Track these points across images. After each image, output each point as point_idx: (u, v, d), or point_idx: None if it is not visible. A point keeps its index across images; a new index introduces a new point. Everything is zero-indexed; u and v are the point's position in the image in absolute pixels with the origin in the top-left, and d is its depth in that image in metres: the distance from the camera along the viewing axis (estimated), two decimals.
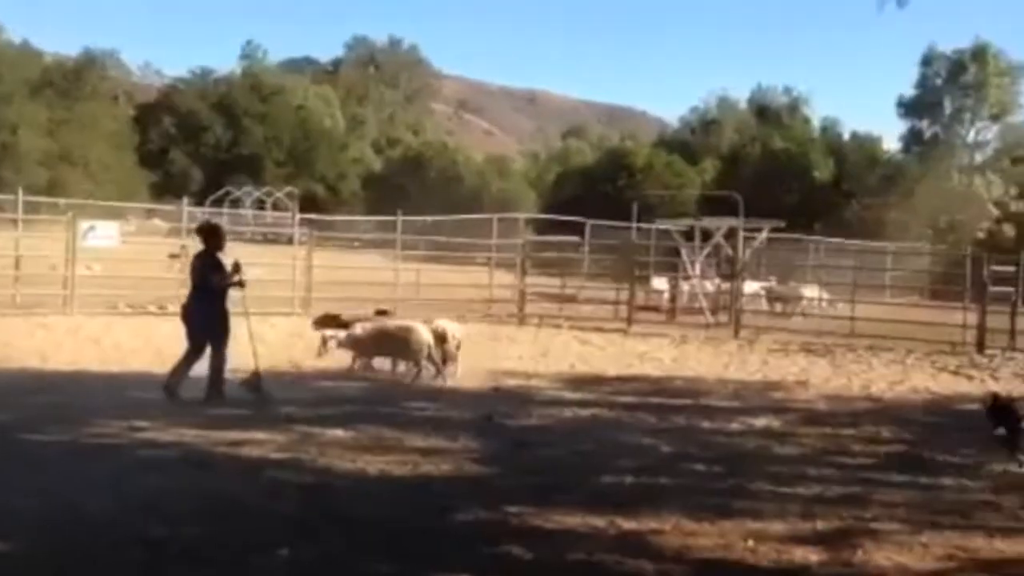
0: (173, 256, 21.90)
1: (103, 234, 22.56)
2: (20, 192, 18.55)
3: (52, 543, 5.22)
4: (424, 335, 11.51)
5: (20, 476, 6.57)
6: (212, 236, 9.89)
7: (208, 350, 9.59)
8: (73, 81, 59.32)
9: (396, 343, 11.68)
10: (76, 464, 7.01)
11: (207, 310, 9.58)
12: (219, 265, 9.68)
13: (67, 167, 50.82)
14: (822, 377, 13.46)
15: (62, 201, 23.73)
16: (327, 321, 12.35)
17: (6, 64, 51.56)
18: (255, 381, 9.82)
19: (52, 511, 5.74)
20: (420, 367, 11.58)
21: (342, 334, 11.86)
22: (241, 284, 9.84)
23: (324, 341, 11.83)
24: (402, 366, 11.99)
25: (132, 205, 32.50)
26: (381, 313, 13.46)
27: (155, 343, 13.39)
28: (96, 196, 32.53)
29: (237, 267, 9.78)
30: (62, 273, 17.64)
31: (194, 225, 10.44)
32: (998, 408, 8.47)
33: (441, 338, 11.85)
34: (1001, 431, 8.27)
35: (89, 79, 61.41)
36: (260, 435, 8.02)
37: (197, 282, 9.67)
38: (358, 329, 11.83)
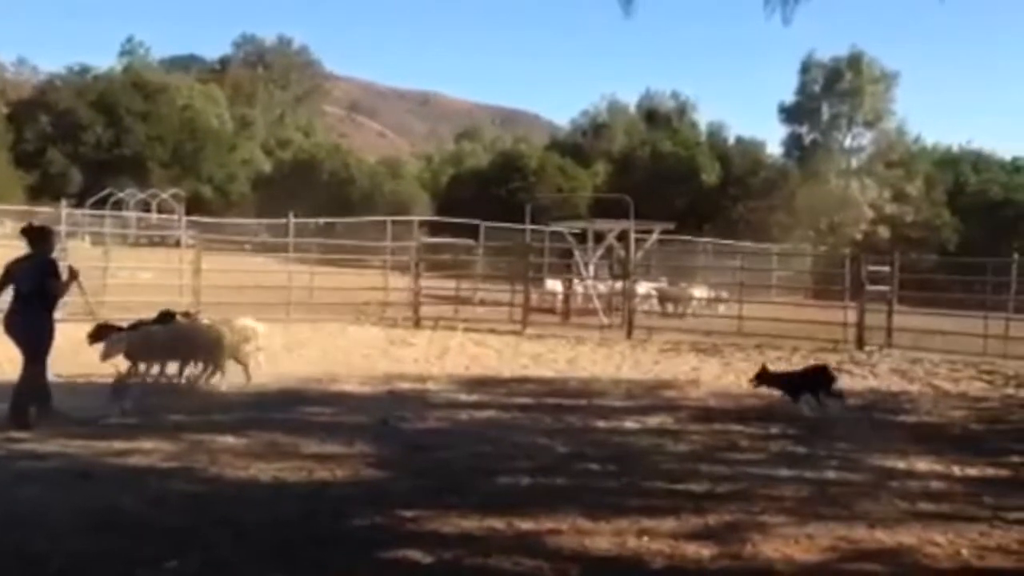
0: None
1: None
2: None
3: None
4: (220, 335, 11.01)
5: None
6: (42, 238, 8.93)
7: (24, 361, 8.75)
8: None
9: (190, 345, 10.96)
10: None
11: (36, 319, 8.65)
12: (56, 271, 8.82)
13: None
14: (712, 375, 13.81)
15: None
16: (103, 331, 10.79)
17: None
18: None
19: None
20: (218, 368, 10.97)
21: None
22: (81, 289, 9.30)
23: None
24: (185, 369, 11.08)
25: (6, 207, 31.04)
26: (184, 315, 12.38)
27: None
28: None
29: (74, 274, 8.96)
30: None
31: (26, 224, 9.01)
32: (765, 376, 11.01)
33: (245, 338, 11.55)
34: (777, 392, 10.79)
35: None
36: (147, 444, 7.77)
37: (27, 289, 8.64)
38: (135, 335, 10.66)
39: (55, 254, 9.23)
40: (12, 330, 8.74)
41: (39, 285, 8.58)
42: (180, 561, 5.10)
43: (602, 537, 5.77)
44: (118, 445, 7.75)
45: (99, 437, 8.00)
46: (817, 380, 10.64)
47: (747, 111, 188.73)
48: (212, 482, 6.81)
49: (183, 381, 11.07)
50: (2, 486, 6.42)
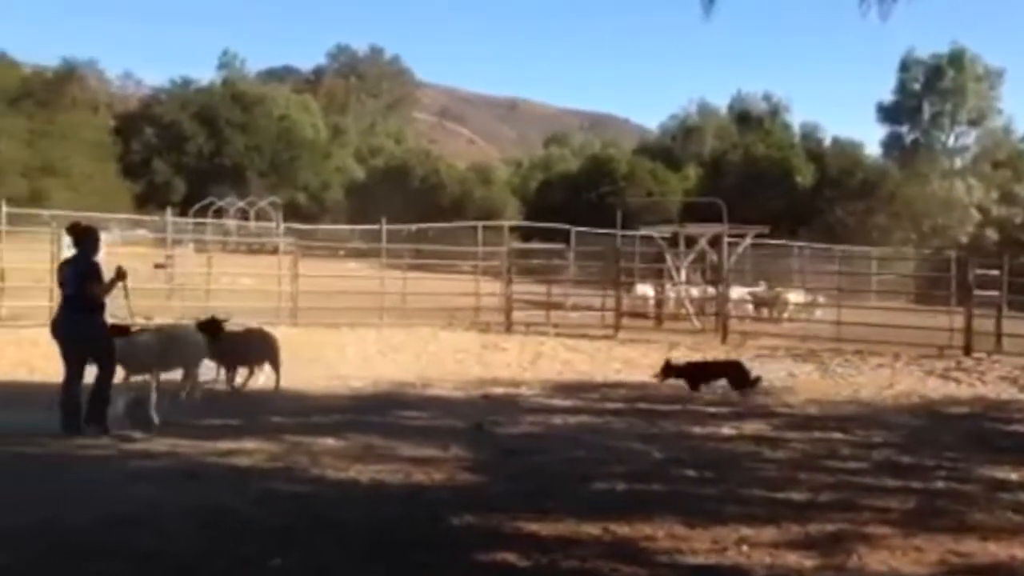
0: (158, 266, 21.79)
1: None
2: (2, 204, 18.39)
3: (43, 554, 5.17)
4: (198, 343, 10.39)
5: (11, 487, 6.51)
6: (86, 238, 8.61)
7: (89, 368, 8.50)
8: (52, 91, 58.91)
9: (179, 353, 10.27)
10: (66, 476, 6.96)
11: (80, 321, 8.39)
12: (99, 272, 8.43)
13: (49, 178, 50.37)
14: (810, 381, 13.51)
15: (45, 212, 23.56)
16: (114, 332, 10.66)
17: None
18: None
19: (43, 522, 5.68)
20: (193, 377, 10.40)
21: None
22: (126, 291, 8.92)
23: None
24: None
25: (116, 216, 32.28)
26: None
27: None
28: (79, 207, 32.32)
29: (121, 275, 8.64)
30: (47, 285, 17.48)
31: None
32: (670, 368, 11.84)
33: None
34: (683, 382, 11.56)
35: (69, 90, 61.00)
36: (251, 445, 7.99)
37: (70, 291, 8.41)
38: (121, 342, 9.41)
39: (99, 254, 8.76)
40: (56, 331, 8.51)
41: (81, 287, 8.31)
42: (283, 560, 5.21)
43: (700, 545, 5.68)
44: (223, 446, 7.99)
45: (206, 437, 8.25)
46: (725, 372, 11.64)
47: (843, 111, 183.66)
48: (313, 483, 6.95)
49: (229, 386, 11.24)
50: (116, 485, 6.66)
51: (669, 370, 11.83)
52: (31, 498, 6.27)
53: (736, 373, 11.66)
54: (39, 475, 6.95)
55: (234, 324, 11.68)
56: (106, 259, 8.92)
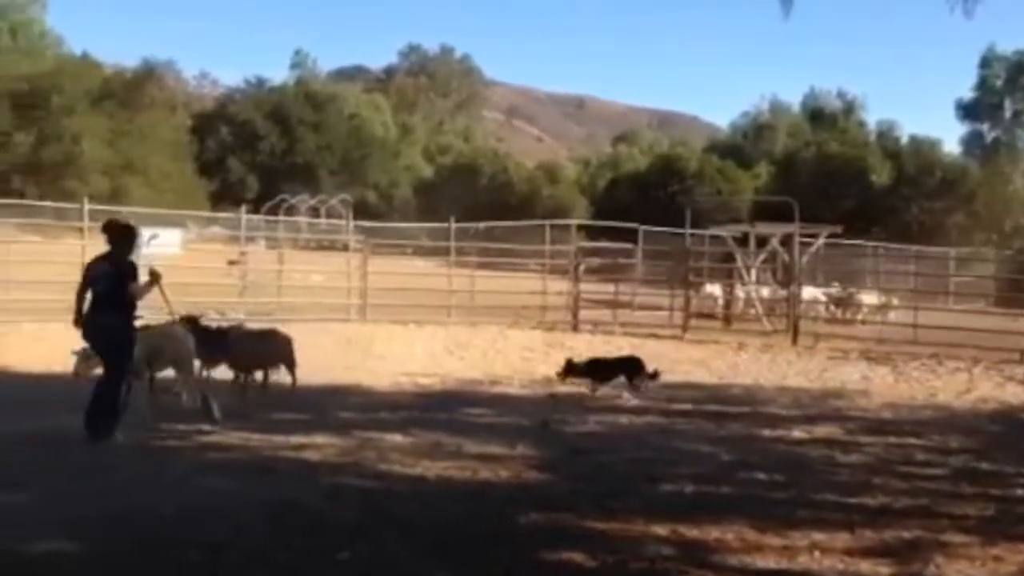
0: (232, 262, 22.22)
1: (165, 241, 23.00)
2: (85, 201, 18.94)
3: (119, 543, 5.30)
4: (186, 342, 9.30)
5: (85, 479, 6.70)
6: (124, 237, 8.21)
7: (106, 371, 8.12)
8: (133, 91, 60.50)
9: (160, 355, 9.18)
10: (142, 466, 7.13)
11: (112, 323, 7.90)
12: (135, 273, 8.04)
13: (128, 176, 51.76)
14: (884, 385, 13.21)
15: (125, 210, 24.21)
16: None
17: (68, 75, 52.65)
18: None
19: (119, 512, 5.83)
20: (188, 379, 9.44)
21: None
22: (163, 293, 8.40)
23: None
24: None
25: (192, 213, 33.06)
26: (189, 320, 10.02)
27: None
28: (157, 204, 33.17)
29: (156, 276, 8.09)
30: None
31: (102, 225, 8.22)
32: (571, 368, 11.67)
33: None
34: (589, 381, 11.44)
35: (148, 89, 62.58)
36: (320, 439, 8.10)
37: (103, 290, 7.92)
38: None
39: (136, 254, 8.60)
40: (89, 333, 8.09)
41: (115, 287, 7.87)
42: (351, 554, 5.27)
43: (771, 550, 5.60)
44: (294, 440, 8.11)
45: (277, 432, 8.38)
46: (624, 368, 11.52)
47: (920, 109, 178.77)
48: (381, 478, 7.02)
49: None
50: (192, 476, 6.82)
51: (571, 369, 11.68)
52: (114, 487, 6.45)
53: (633, 367, 11.57)
54: (122, 465, 7.13)
55: (252, 323, 11.35)
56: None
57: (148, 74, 63.90)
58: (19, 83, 49.54)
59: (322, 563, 5.13)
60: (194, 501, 6.13)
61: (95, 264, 8.13)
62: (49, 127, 49.17)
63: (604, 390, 11.38)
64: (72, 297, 8.14)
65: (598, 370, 11.61)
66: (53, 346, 11.39)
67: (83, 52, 63.82)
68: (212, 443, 8.00)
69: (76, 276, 17.29)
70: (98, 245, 19.73)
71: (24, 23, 57.17)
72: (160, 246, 22.01)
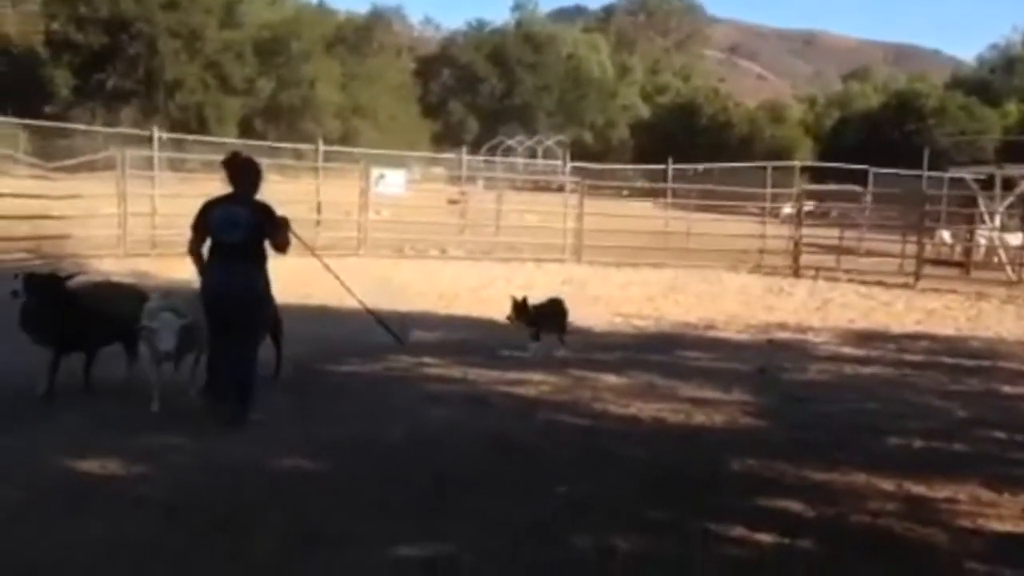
0: (452, 202, 22.97)
1: (391, 182, 24.10)
2: (320, 142, 20.06)
3: (353, 466, 5.66)
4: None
5: (322, 405, 7.18)
6: (250, 173, 6.67)
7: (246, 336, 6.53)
8: (362, 37, 63.21)
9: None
10: (372, 395, 7.57)
11: (256, 279, 6.52)
12: (275, 216, 6.55)
13: (358, 119, 54.52)
14: None
15: (356, 151, 25.47)
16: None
17: (305, 23, 55.68)
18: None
19: (352, 438, 6.20)
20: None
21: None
22: (302, 241, 7.61)
23: None
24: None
25: (415, 154, 34.35)
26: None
27: (437, 285, 14.12)
28: (384, 146, 34.67)
29: (286, 221, 6.59)
30: (355, 218, 19.01)
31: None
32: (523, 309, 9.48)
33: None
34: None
35: (376, 35, 65.21)
36: (536, 377, 8.27)
37: (239, 239, 6.36)
38: None
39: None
40: (222, 294, 6.38)
41: (255, 236, 6.41)
42: (569, 489, 5.39)
43: (1007, 512, 5.24)
44: (511, 376, 8.34)
45: (494, 367, 8.65)
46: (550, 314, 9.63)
47: None
48: (596, 417, 7.11)
49: None
50: (418, 406, 7.15)
51: (521, 312, 9.55)
52: (347, 415, 6.89)
53: (560, 312, 9.73)
54: (358, 394, 7.58)
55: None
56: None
57: (376, 20, 66.52)
58: (263, 31, 52.84)
59: (540, 496, 5.26)
60: (418, 431, 6.43)
61: (219, 207, 6.46)
62: (288, 73, 52.29)
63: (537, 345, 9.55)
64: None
65: (537, 320, 9.60)
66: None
67: (319, 0, 67.25)
68: (435, 375, 8.35)
69: (312, 213, 18.60)
70: (332, 184, 20.99)
71: None
72: (387, 186, 23.08)
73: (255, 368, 6.62)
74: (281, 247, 6.56)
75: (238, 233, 6.35)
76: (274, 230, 6.46)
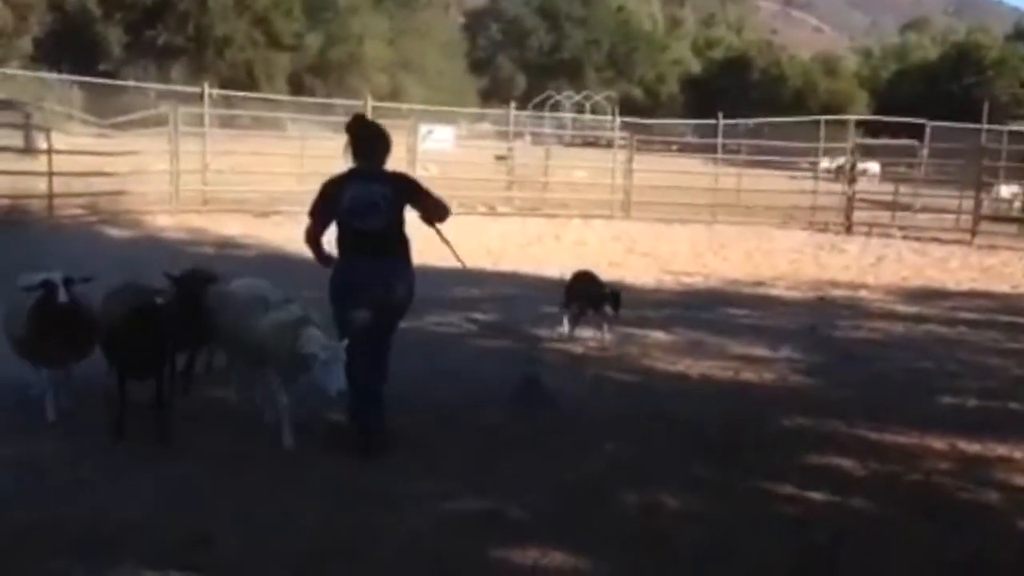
0: (500, 158, 22.87)
1: (439, 137, 24.01)
2: (368, 98, 20.04)
3: (402, 424, 5.70)
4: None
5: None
6: (382, 140, 5.22)
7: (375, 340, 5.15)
8: None
9: None
10: (421, 353, 7.60)
11: (407, 271, 5.25)
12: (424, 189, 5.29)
13: (406, 74, 54.36)
14: None
15: (404, 106, 25.42)
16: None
17: None
18: None
19: (419, 392, 6.12)
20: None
21: None
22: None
23: None
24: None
25: (463, 110, 34.17)
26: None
27: (485, 242, 14.11)
28: (431, 102, 34.55)
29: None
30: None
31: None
32: None
33: None
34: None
35: None
36: (584, 333, 8.25)
37: (381, 224, 5.03)
38: None
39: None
40: (364, 290, 5.00)
41: (398, 217, 5.10)
42: (616, 446, 5.41)
43: None
44: (559, 332, 8.32)
45: (543, 324, 8.62)
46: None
47: None
48: (644, 374, 7.10)
49: None
50: (471, 362, 7.19)
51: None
52: (402, 373, 6.90)
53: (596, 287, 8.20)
54: (407, 352, 7.57)
55: None
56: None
57: None
58: None
59: (589, 453, 5.29)
60: (475, 386, 6.46)
61: (349, 186, 5.06)
62: (336, 28, 52.23)
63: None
64: None
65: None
66: None
67: None
68: (482, 333, 8.38)
69: None
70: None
71: None
72: (435, 142, 23.02)
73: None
74: (443, 216, 5.24)
75: (380, 219, 5.00)
76: (426, 199, 5.15)
